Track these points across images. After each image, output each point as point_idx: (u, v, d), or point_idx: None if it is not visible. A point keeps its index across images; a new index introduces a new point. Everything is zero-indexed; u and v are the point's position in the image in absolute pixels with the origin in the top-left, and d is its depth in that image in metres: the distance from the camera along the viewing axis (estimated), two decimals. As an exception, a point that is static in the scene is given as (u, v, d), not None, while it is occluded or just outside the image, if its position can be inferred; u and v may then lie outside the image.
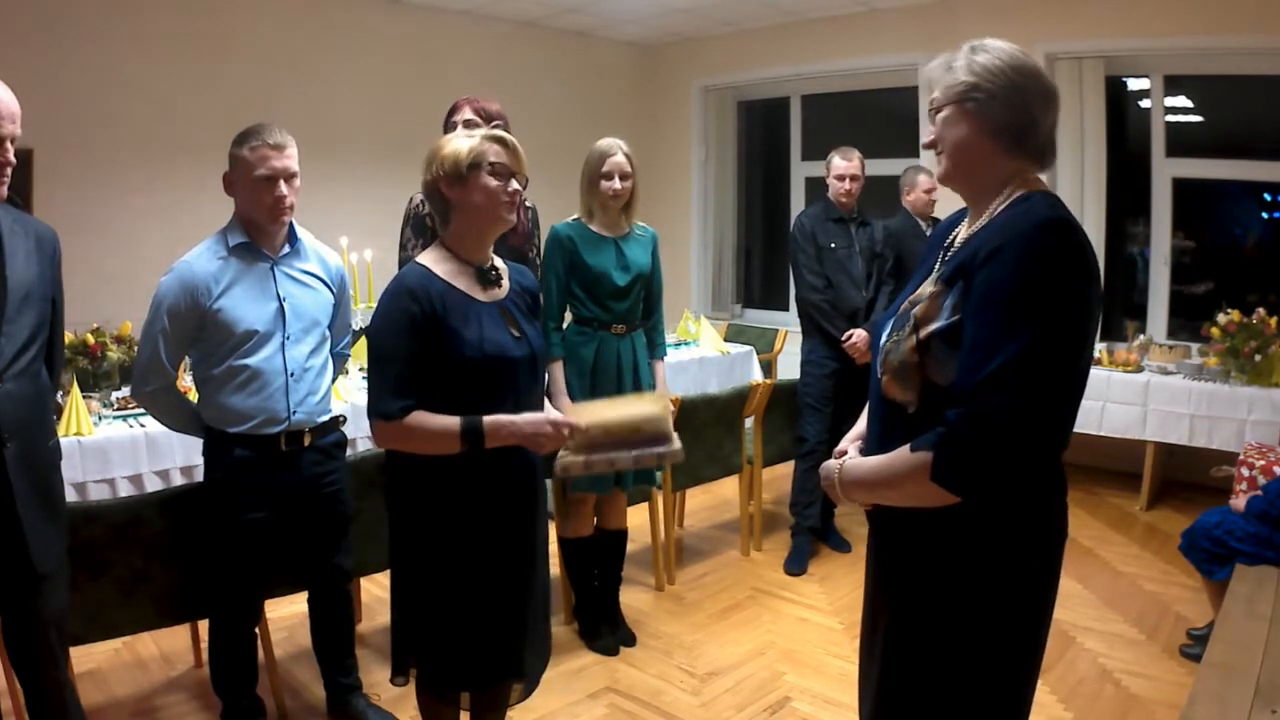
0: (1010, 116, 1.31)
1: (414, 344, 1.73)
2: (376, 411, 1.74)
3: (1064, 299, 1.19)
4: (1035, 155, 1.34)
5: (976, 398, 1.18)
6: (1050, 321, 1.18)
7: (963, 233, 1.41)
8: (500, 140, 1.82)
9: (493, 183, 1.79)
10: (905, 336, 1.31)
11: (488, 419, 1.75)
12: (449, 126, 2.65)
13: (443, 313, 1.75)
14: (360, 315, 3.91)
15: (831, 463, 1.45)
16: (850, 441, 1.53)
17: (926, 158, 5.59)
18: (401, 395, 1.72)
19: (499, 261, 1.96)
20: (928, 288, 1.34)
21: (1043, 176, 1.38)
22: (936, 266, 1.41)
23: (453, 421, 1.73)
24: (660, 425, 1.95)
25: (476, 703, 2.05)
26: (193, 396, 2.44)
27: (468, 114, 2.67)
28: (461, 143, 1.80)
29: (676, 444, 1.98)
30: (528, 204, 2.79)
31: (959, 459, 1.20)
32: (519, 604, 1.92)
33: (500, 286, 1.90)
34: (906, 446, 1.27)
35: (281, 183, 2.21)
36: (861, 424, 1.55)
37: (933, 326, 1.28)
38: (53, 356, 2.04)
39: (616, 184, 2.82)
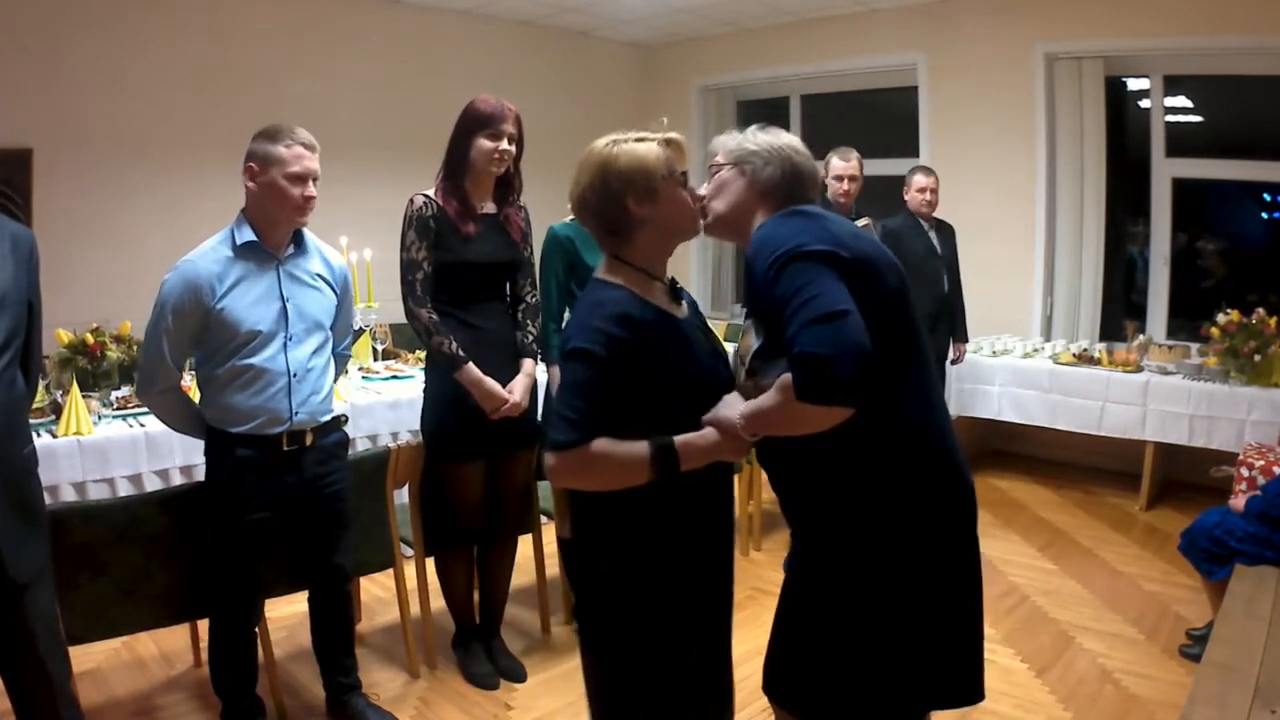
0: (777, 183, 1.58)
1: (617, 375, 1.50)
2: (554, 442, 1.50)
3: (799, 248, 1.40)
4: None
5: (795, 334, 1.34)
6: (801, 265, 1.39)
7: None
8: (678, 145, 1.63)
9: (683, 195, 1.61)
10: (739, 369, 1.54)
11: (679, 438, 1.51)
12: (471, 130, 2.59)
13: (657, 344, 1.54)
14: (360, 316, 3.91)
15: (730, 412, 1.51)
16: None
17: (925, 157, 5.62)
18: (590, 426, 1.48)
19: None
20: (744, 323, 1.58)
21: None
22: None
23: (639, 446, 1.49)
24: None
25: None
26: (194, 395, 2.44)
27: (511, 129, 2.61)
28: (647, 152, 1.58)
29: None
30: (521, 204, 2.79)
31: (809, 370, 1.33)
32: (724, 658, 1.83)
33: (683, 302, 1.71)
34: (780, 381, 1.39)
35: (310, 182, 2.25)
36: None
37: (751, 350, 1.48)
38: (29, 362, 2.01)
39: None
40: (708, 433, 1.52)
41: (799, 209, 1.52)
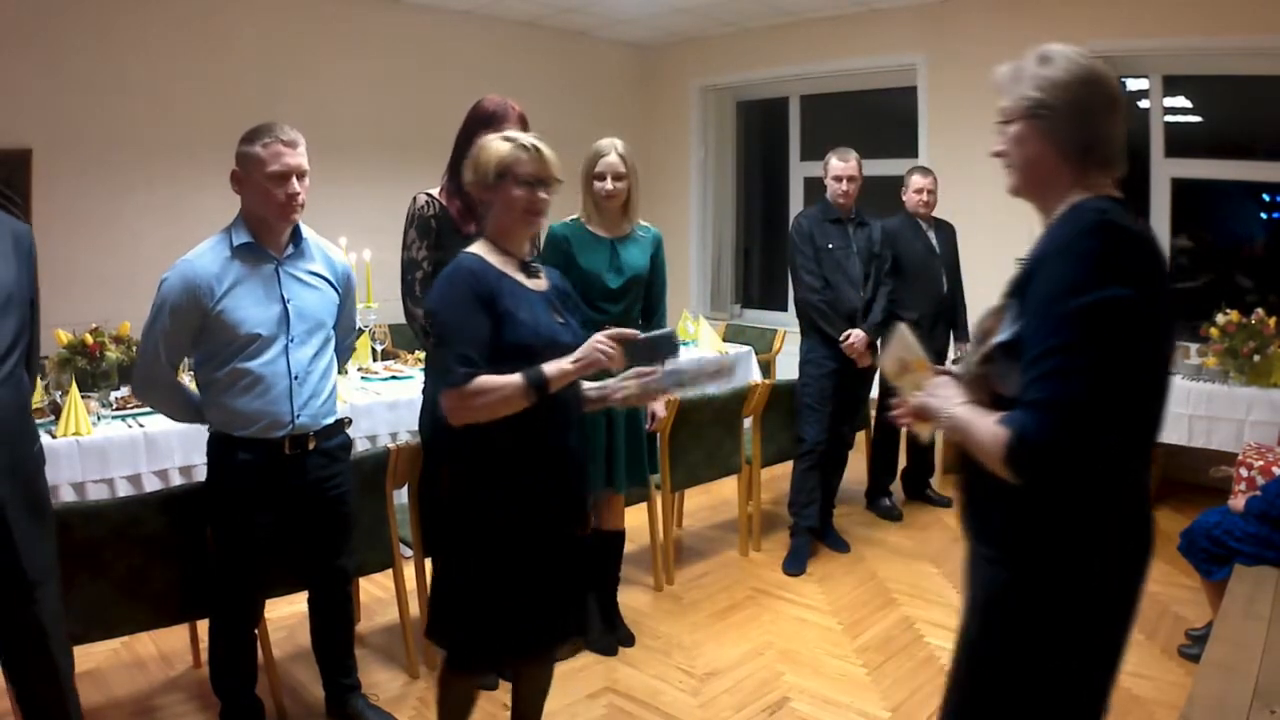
0: (1077, 132, 1.33)
1: (477, 319, 1.83)
2: (445, 383, 1.82)
3: (1102, 302, 1.22)
4: (1103, 165, 1.35)
5: (1033, 401, 1.24)
6: (1091, 325, 1.22)
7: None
8: (529, 149, 1.90)
9: (517, 192, 1.90)
10: (975, 349, 1.39)
11: (546, 366, 1.83)
12: (475, 129, 2.56)
13: (499, 295, 1.85)
14: (360, 316, 3.91)
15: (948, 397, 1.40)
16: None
17: (925, 157, 5.61)
18: (466, 364, 1.81)
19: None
20: (1000, 301, 1.40)
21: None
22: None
23: (515, 377, 1.81)
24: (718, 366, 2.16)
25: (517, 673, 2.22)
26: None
27: (512, 129, 2.59)
28: (494, 150, 1.90)
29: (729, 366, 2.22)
30: None
31: (1024, 452, 1.24)
32: (561, 575, 2.00)
33: (541, 279, 2.01)
34: (995, 417, 1.29)
35: (294, 179, 2.20)
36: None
37: (995, 340, 1.33)
38: (31, 360, 2.01)
39: (609, 185, 2.80)
40: (567, 359, 1.85)
41: (1104, 217, 1.28)
